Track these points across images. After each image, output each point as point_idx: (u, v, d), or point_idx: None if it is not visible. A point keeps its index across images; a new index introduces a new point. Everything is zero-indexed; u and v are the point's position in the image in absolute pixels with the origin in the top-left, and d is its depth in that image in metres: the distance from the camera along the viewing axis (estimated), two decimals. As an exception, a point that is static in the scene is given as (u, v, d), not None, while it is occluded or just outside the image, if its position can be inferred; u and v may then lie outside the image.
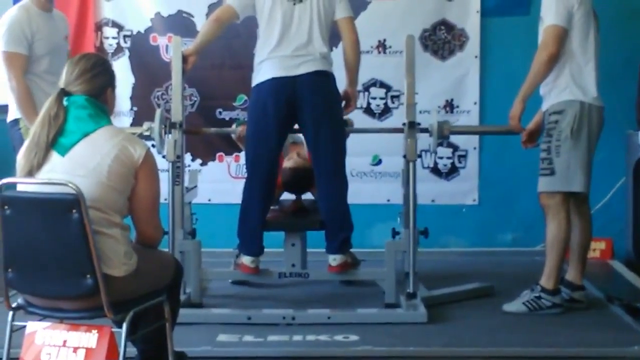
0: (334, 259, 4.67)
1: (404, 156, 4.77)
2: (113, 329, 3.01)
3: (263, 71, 4.56)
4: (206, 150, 6.33)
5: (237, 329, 4.30)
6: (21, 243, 3.00)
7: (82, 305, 3.02)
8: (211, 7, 6.18)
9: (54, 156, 3.07)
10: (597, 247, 5.99)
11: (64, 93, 3.15)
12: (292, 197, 5.17)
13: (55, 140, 3.08)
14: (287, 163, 5.04)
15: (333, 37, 4.75)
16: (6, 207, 2.97)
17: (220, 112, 6.30)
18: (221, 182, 6.27)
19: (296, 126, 4.69)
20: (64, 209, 2.90)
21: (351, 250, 4.81)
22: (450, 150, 6.27)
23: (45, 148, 3.07)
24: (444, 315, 4.55)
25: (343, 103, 4.73)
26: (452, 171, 6.31)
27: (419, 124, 4.71)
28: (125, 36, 6.31)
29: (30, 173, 3.06)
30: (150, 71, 6.28)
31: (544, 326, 4.34)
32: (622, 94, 5.82)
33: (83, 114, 3.13)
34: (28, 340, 3.04)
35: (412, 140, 4.66)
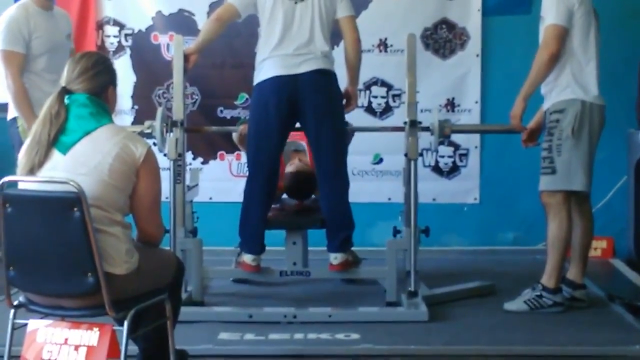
0: (335, 258, 4.67)
1: (405, 155, 4.77)
2: (114, 327, 3.01)
3: (265, 70, 4.56)
4: (207, 148, 6.33)
5: (238, 327, 4.30)
6: (22, 241, 3.00)
7: (83, 303, 3.02)
8: (212, 6, 6.18)
9: (56, 154, 3.07)
10: (599, 246, 5.99)
11: (65, 91, 3.16)
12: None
13: (57, 138, 3.08)
14: (289, 168, 5.05)
15: (334, 35, 4.75)
16: (7, 205, 2.97)
17: (221, 111, 6.31)
18: (222, 180, 6.27)
19: (297, 124, 4.69)
20: (65, 207, 2.90)
21: (352, 248, 4.81)
22: (452, 149, 6.27)
23: (46, 146, 3.07)
24: (445, 314, 4.55)
25: (344, 101, 4.73)
26: (453, 170, 6.31)
27: (420, 122, 4.71)
28: (126, 35, 6.31)
29: (32, 171, 3.06)
30: (151, 70, 6.29)
31: (545, 325, 4.34)
32: (623, 93, 5.82)
33: (84, 113, 3.13)
34: (29, 338, 3.04)
35: (413, 139, 4.66)
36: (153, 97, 6.31)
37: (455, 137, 6.06)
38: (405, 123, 4.72)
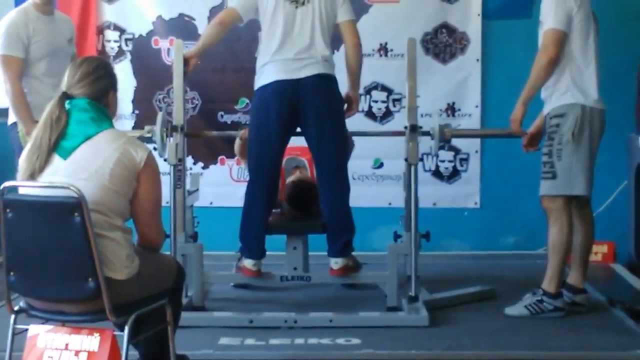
0: (336, 262, 4.67)
1: (406, 159, 4.77)
2: (115, 332, 3.01)
3: (265, 74, 4.57)
4: (208, 153, 6.33)
5: (239, 332, 4.30)
6: (23, 246, 3.00)
7: (84, 308, 3.01)
8: (212, 11, 6.19)
9: (56, 159, 3.07)
10: (599, 251, 5.99)
11: (65, 96, 3.16)
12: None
13: (57, 143, 3.08)
14: (290, 178, 5.05)
15: (335, 40, 4.75)
16: (8, 210, 2.97)
17: (222, 116, 6.30)
18: (223, 185, 6.27)
19: (298, 129, 4.69)
20: (66, 212, 2.90)
21: (353, 253, 4.81)
22: (452, 153, 6.27)
23: (47, 151, 3.07)
24: (446, 319, 4.55)
25: (345, 106, 4.73)
26: (454, 174, 6.31)
27: (420, 127, 4.71)
28: (126, 39, 6.31)
29: (33, 176, 3.06)
30: (151, 74, 6.29)
31: (546, 329, 4.33)
32: (623, 97, 5.82)
33: (85, 117, 3.13)
34: (30, 343, 3.04)
35: (414, 144, 4.66)
36: (153, 102, 6.31)
37: (456, 142, 6.05)
38: (405, 127, 4.72)
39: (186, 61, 4.70)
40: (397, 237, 4.83)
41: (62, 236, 2.94)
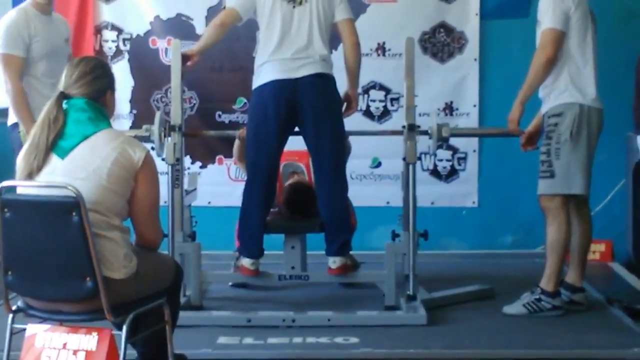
0: (334, 262, 4.67)
1: (404, 159, 4.77)
2: (113, 332, 3.01)
3: (263, 74, 4.57)
4: (206, 153, 6.33)
5: (237, 331, 4.30)
6: (21, 246, 3.00)
7: (82, 307, 3.01)
8: (210, 10, 6.19)
9: (54, 159, 3.07)
10: (597, 249, 5.99)
11: (63, 96, 3.16)
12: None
13: (55, 143, 3.08)
14: (288, 182, 5.05)
15: (333, 39, 4.75)
16: (6, 209, 2.97)
17: (219, 115, 6.30)
18: (221, 184, 6.27)
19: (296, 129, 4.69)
20: (63, 212, 2.90)
21: (351, 252, 4.81)
22: (450, 152, 6.27)
23: (44, 151, 3.07)
24: (444, 318, 4.55)
25: (344, 105, 4.73)
26: (452, 174, 6.31)
27: (418, 126, 4.71)
28: (124, 39, 6.31)
29: (30, 176, 3.06)
30: (149, 74, 6.29)
31: (544, 328, 4.34)
32: (621, 96, 5.82)
33: (83, 117, 3.13)
34: (28, 342, 3.04)
35: (412, 143, 4.66)
36: (151, 102, 6.31)
37: (454, 141, 6.06)
38: (403, 127, 4.72)
39: (187, 58, 4.70)
40: (395, 236, 4.83)
41: (60, 236, 2.94)
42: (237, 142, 5.15)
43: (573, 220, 4.58)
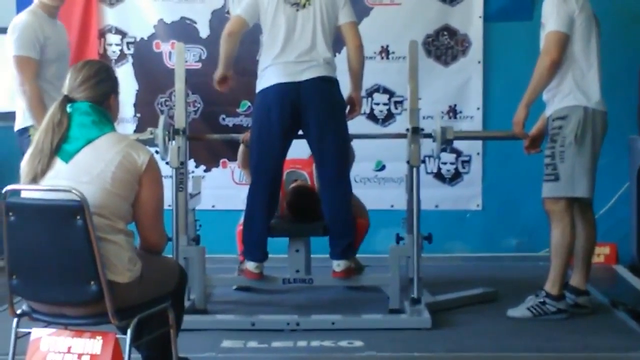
0: (338, 265, 4.67)
1: (408, 162, 4.76)
2: (117, 335, 3.01)
3: (267, 77, 4.57)
4: (210, 156, 6.34)
5: (241, 335, 4.30)
6: (25, 250, 3.00)
7: (86, 311, 3.01)
8: (214, 14, 6.22)
9: (58, 163, 3.07)
10: (602, 252, 5.98)
11: (67, 100, 3.16)
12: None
13: (59, 147, 3.08)
14: (290, 185, 5.05)
15: (337, 42, 4.75)
16: (11, 213, 2.97)
17: (223, 119, 6.31)
18: (225, 188, 6.27)
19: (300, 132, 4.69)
20: (68, 216, 2.90)
21: (355, 255, 4.80)
22: (454, 155, 6.27)
23: (49, 155, 3.07)
24: (448, 321, 4.55)
25: (348, 108, 4.74)
26: (456, 177, 6.31)
27: (422, 129, 4.71)
28: (128, 43, 6.32)
29: (34, 180, 3.06)
30: (153, 78, 6.29)
31: (549, 331, 4.33)
32: (624, 99, 5.82)
33: (87, 121, 3.13)
34: (33, 346, 3.03)
35: (416, 146, 4.66)
36: (155, 105, 6.31)
37: (458, 144, 6.04)
38: (407, 130, 4.72)
39: (223, 82, 4.71)
40: (399, 239, 4.82)
41: (65, 239, 2.94)
42: (241, 148, 5.16)
43: (577, 224, 4.58)
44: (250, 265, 4.69)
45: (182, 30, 6.24)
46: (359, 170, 5.88)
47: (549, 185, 4.52)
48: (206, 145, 6.23)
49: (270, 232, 4.72)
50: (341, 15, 4.64)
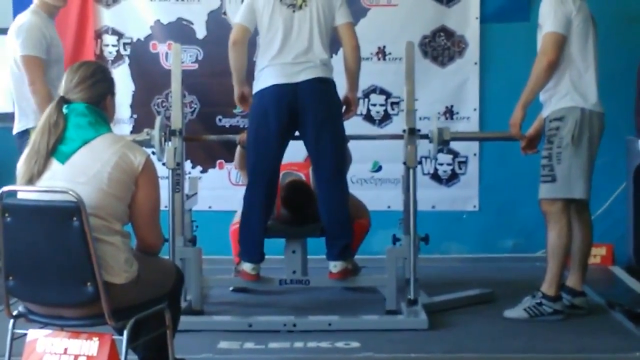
0: (335, 266, 4.67)
1: (404, 163, 4.76)
2: (114, 337, 3.01)
3: (264, 78, 4.57)
4: (206, 157, 6.33)
5: (238, 336, 4.30)
6: (22, 250, 3.00)
7: (83, 312, 3.01)
8: (211, 15, 6.21)
9: (54, 164, 3.07)
10: (598, 253, 5.99)
11: (63, 101, 3.16)
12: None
13: (55, 148, 3.08)
14: (286, 181, 5.05)
15: (333, 43, 4.75)
16: (7, 214, 2.97)
17: (220, 120, 6.30)
18: (221, 189, 6.27)
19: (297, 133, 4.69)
20: (64, 217, 2.90)
21: (353, 256, 4.80)
22: (451, 156, 6.27)
23: (45, 156, 3.06)
24: (445, 322, 4.55)
25: (344, 108, 4.73)
26: (453, 177, 6.31)
27: (419, 130, 4.71)
28: (125, 44, 6.31)
29: (31, 181, 3.05)
30: (150, 79, 6.28)
31: (545, 332, 4.34)
32: (622, 100, 5.81)
33: (83, 122, 3.13)
34: (29, 348, 3.03)
35: (412, 147, 4.66)
36: (152, 106, 6.31)
37: (454, 145, 6.06)
38: (404, 131, 4.73)
39: (243, 99, 4.70)
40: (396, 240, 4.82)
41: (61, 241, 2.94)
42: (238, 149, 5.15)
43: (574, 224, 4.58)
44: (246, 267, 4.69)
45: (179, 31, 6.23)
46: (356, 171, 5.88)
47: (546, 186, 4.52)
48: (203, 146, 6.22)
49: (266, 233, 4.72)
50: (337, 16, 4.64)
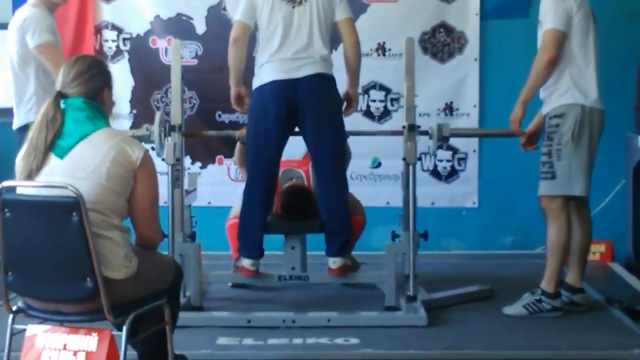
0: (334, 262, 4.67)
1: (404, 159, 4.77)
2: (113, 332, 3.01)
3: (264, 74, 4.56)
4: (206, 153, 6.33)
5: (237, 332, 4.30)
6: (21, 246, 3.00)
7: (82, 308, 3.01)
8: (210, 10, 6.20)
9: (53, 159, 3.06)
10: (597, 250, 5.99)
11: (60, 95, 3.15)
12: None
13: (54, 143, 3.07)
14: (285, 185, 5.04)
15: (333, 39, 4.75)
16: (6, 210, 2.97)
17: (219, 115, 6.30)
18: (221, 184, 6.26)
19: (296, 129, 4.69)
20: (64, 212, 2.90)
21: (351, 252, 4.80)
22: (450, 153, 6.26)
23: (43, 151, 3.06)
24: (444, 318, 4.55)
25: (344, 104, 4.73)
26: (452, 174, 6.31)
27: (418, 126, 4.72)
28: (124, 39, 6.30)
29: (30, 177, 3.05)
30: (149, 74, 6.28)
31: (544, 329, 4.34)
32: (621, 97, 5.81)
33: (81, 116, 3.12)
34: (28, 343, 3.03)
35: (412, 143, 4.66)
36: (151, 102, 6.30)
37: (454, 141, 6.06)
38: (403, 127, 4.73)
39: (239, 100, 4.69)
40: (395, 236, 4.83)
41: (60, 236, 2.94)
42: (238, 146, 5.15)
43: (573, 221, 4.58)
44: (246, 263, 4.69)
45: (179, 26, 6.22)
46: (355, 167, 5.87)
47: (546, 183, 4.52)
48: (202, 141, 6.22)
49: (266, 229, 4.72)
50: (337, 12, 4.64)
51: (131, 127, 6.12)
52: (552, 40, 4.42)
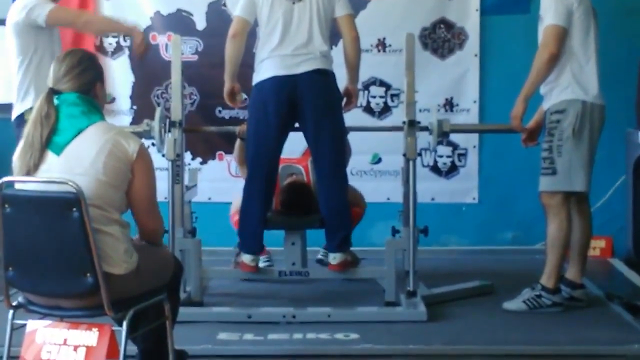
0: (334, 257, 4.67)
1: (404, 155, 4.77)
2: (113, 327, 3.01)
3: (264, 70, 4.56)
4: (206, 148, 6.33)
5: (237, 327, 4.30)
6: (21, 241, 3.00)
7: (82, 303, 3.01)
8: (210, 6, 6.20)
9: (50, 156, 3.06)
10: (597, 246, 5.99)
11: (53, 92, 3.14)
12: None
13: (50, 139, 3.06)
14: (285, 181, 5.04)
15: (333, 35, 4.75)
16: (6, 205, 2.97)
17: (220, 111, 6.30)
18: (221, 180, 6.26)
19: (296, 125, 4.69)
20: (64, 208, 2.90)
21: (351, 248, 4.81)
22: (450, 148, 6.26)
23: (40, 149, 3.05)
24: (444, 314, 4.55)
25: (344, 100, 4.73)
26: (452, 170, 6.31)
27: (418, 122, 4.71)
28: (125, 35, 6.29)
29: (28, 175, 3.04)
30: (150, 70, 6.27)
31: (544, 324, 4.34)
32: (622, 92, 5.81)
33: (75, 111, 3.11)
34: (28, 338, 3.04)
35: (412, 139, 4.66)
36: (152, 97, 6.30)
37: (454, 137, 6.06)
38: (403, 123, 4.73)
39: (232, 96, 4.69)
40: (395, 232, 4.83)
41: (61, 232, 2.94)
42: (237, 143, 5.15)
43: (573, 217, 4.58)
44: (246, 258, 4.69)
45: (179, 22, 6.22)
46: (355, 163, 5.87)
47: (546, 179, 4.52)
48: (202, 137, 6.22)
49: (266, 224, 4.72)
50: (337, 8, 4.64)
51: (131, 123, 6.12)
52: (553, 36, 4.42)
